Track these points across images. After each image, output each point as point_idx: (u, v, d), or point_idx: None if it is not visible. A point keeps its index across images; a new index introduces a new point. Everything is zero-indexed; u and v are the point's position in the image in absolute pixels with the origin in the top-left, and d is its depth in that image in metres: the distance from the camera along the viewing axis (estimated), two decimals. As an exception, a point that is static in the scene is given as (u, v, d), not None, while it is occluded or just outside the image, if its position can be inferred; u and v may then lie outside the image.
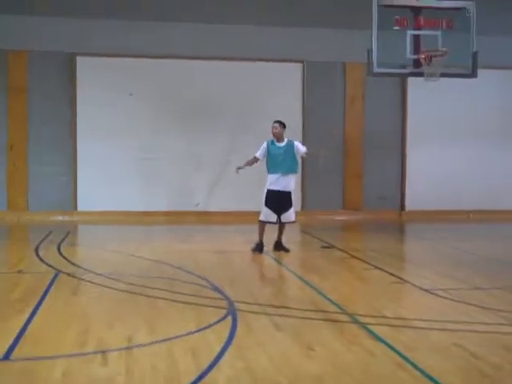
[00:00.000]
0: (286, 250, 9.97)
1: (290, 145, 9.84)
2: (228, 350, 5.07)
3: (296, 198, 15.07)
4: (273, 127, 9.84)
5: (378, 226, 14.27)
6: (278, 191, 9.70)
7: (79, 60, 14.36)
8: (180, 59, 14.60)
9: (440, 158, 15.60)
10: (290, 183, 9.79)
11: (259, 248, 9.89)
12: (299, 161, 10.16)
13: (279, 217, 9.79)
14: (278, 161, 9.69)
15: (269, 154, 9.80)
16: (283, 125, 9.87)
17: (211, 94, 14.74)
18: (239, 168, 9.83)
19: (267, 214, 9.77)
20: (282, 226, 9.98)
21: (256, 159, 9.92)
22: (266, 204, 9.76)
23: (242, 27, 14.67)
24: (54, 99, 14.34)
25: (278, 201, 9.72)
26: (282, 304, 6.68)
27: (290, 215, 9.84)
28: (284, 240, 10.14)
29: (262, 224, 9.91)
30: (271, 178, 9.75)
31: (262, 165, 9.93)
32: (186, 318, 6.01)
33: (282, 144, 9.81)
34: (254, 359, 4.87)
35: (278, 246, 10.03)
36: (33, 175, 14.32)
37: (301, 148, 9.91)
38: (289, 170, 9.76)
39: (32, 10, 13.92)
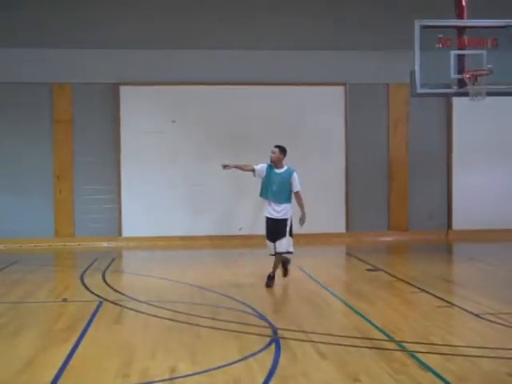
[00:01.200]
0: (269, 285, 9.06)
1: (288, 175, 9.02)
2: (272, 381, 4.97)
3: (340, 220, 15.26)
4: (271, 151, 9.10)
5: (424, 246, 14.00)
6: (273, 219, 8.97)
7: (122, 89, 14.56)
8: (221, 85, 14.65)
9: (487, 177, 15.26)
10: (286, 211, 8.92)
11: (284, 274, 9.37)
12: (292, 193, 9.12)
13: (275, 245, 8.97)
14: (272, 188, 8.95)
15: (266, 177, 9.02)
16: (283, 150, 9.07)
17: (253, 119, 14.75)
18: (226, 166, 9.01)
19: (269, 247, 9.07)
20: (276, 257, 9.10)
21: (251, 169, 9.06)
22: (266, 234, 9.11)
23: (282, 52, 14.67)
24: (98, 129, 14.57)
25: (272, 229, 8.98)
26: (326, 331, 6.55)
27: (282, 244, 8.88)
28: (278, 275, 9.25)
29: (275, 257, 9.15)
30: (265, 203, 9.11)
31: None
32: (228, 347, 5.94)
33: (281, 171, 9.03)
34: (298, 391, 4.76)
35: (269, 278, 9.15)
36: (78, 203, 14.53)
37: (294, 184, 8.99)
38: (280, 201, 8.95)
39: (74, 44, 14.19)
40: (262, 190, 9.14)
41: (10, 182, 14.37)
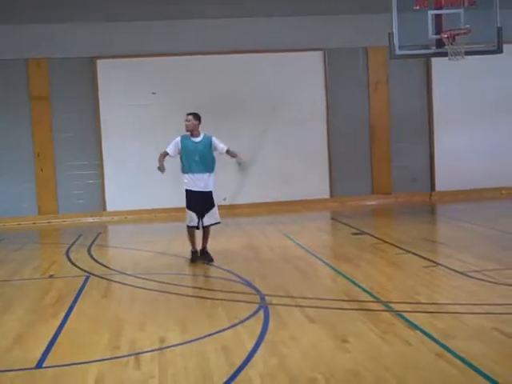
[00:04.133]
0: (210, 260, 8.68)
1: (208, 141, 8.65)
2: (261, 346, 5.01)
3: (324, 185, 15.28)
4: (185, 120, 8.65)
5: (408, 208, 14.07)
6: (199, 192, 8.62)
7: (99, 63, 14.37)
8: (200, 55, 14.50)
9: (468, 137, 15.29)
10: (208, 183, 8.63)
11: (195, 257, 8.84)
12: (216, 159, 8.79)
13: (202, 220, 8.67)
14: (195, 159, 8.55)
15: (183, 150, 8.62)
16: (198, 117, 8.67)
17: (233, 87, 14.63)
18: (161, 168, 8.68)
19: (192, 218, 8.69)
20: (205, 230, 8.82)
21: (166, 154, 8.73)
22: (188, 206, 8.71)
23: (259, 19, 14.49)
24: (77, 104, 14.37)
25: (199, 201, 8.62)
26: (314, 295, 6.60)
27: (212, 215, 8.70)
28: (209, 247, 8.92)
29: (191, 229, 8.84)
30: (187, 177, 8.67)
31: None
32: (217, 315, 5.97)
33: (198, 139, 8.64)
34: (288, 354, 4.80)
35: (203, 255, 8.81)
36: (61, 179, 14.40)
37: (219, 145, 8.68)
38: (205, 169, 8.59)
39: (48, 19, 13.90)
40: (184, 165, 8.68)
41: (-10, 161, 14.22)
